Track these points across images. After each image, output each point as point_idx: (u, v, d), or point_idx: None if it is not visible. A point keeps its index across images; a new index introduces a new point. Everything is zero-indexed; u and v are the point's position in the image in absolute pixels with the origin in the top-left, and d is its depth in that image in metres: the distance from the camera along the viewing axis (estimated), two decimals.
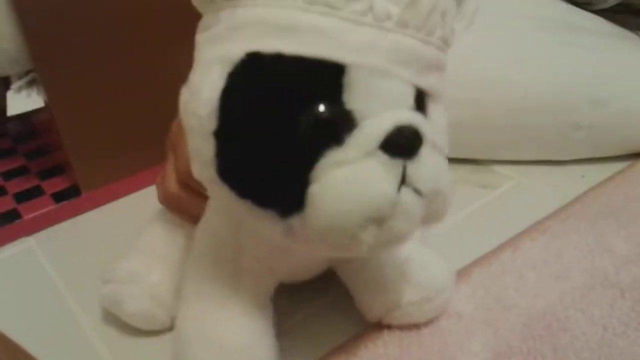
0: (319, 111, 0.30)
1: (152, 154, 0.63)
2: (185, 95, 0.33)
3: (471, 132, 0.62)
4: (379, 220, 0.30)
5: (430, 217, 0.33)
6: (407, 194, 0.30)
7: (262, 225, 0.33)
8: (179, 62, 0.34)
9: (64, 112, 0.58)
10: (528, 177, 0.63)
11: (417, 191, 0.31)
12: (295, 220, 0.31)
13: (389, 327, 0.45)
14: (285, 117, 0.30)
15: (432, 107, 0.34)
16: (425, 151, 0.31)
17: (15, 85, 0.60)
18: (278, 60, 0.30)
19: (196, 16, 0.34)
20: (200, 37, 0.34)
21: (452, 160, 0.63)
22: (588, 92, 0.60)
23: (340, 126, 0.31)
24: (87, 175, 0.62)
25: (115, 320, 0.47)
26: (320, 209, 0.30)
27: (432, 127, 0.33)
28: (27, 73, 0.61)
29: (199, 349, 0.38)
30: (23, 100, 0.59)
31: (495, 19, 0.63)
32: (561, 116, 0.61)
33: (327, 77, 0.30)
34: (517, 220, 0.56)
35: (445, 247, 0.50)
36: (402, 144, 0.30)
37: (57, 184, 0.64)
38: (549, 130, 0.61)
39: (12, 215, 0.60)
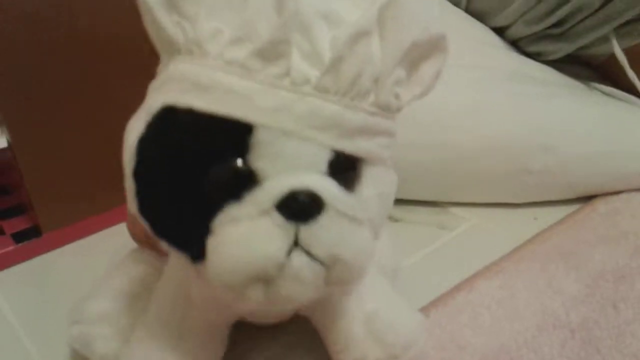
0: (222, 167, 0.32)
1: (115, 195, 0.64)
2: (125, 134, 0.35)
3: (429, 175, 0.64)
4: (265, 280, 0.31)
5: (333, 282, 0.33)
6: (297, 257, 0.31)
7: (186, 267, 0.35)
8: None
9: (27, 152, 0.58)
10: (483, 219, 0.65)
11: (311, 256, 0.31)
12: (202, 267, 0.33)
13: None
14: (190, 170, 0.32)
15: (366, 171, 0.35)
16: (325, 218, 0.31)
17: None
18: (189, 115, 0.32)
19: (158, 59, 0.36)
20: (150, 85, 0.35)
21: (412, 202, 0.66)
22: (537, 138, 0.63)
23: (242, 183, 0.32)
24: (49, 215, 0.62)
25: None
26: (213, 262, 0.32)
27: (351, 195, 0.34)
28: None
29: None
30: None
31: (451, 68, 0.66)
32: (513, 161, 0.63)
33: (234, 135, 0.31)
34: (473, 261, 0.58)
35: (404, 287, 0.51)
36: (295, 207, 0.31)
37: (17, 224, 0.64)
38: (501, 174, 0.64)
39: None
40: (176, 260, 0.41)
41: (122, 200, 0.63)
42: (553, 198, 0.66)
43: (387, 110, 0.35)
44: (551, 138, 0.63)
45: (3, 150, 0.59)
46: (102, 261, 0.56)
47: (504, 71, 0.68)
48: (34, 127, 0.58)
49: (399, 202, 0.66)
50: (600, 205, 0.65)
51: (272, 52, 0.31)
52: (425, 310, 0.52)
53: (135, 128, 0.33)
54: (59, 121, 0.60)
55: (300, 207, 0.31)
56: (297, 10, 0.31)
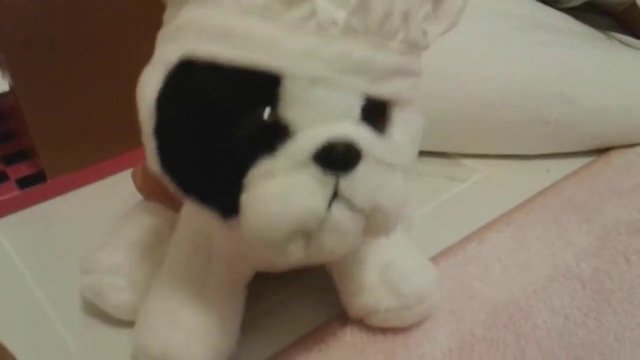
0: (251, 120, 0.30)
1: (120, 142, 0.63)
2: (137, 90, 0.33)
3: (441, 126, 0.63)
4: (306, 234, 0.30)
5: (372, 232, 0.33)
6: (338, 210, 0.30)
7: (211, 223, 0.33)
8: (148, 50, 0.33)
9: (30, 97, 0.57)
10: (495, 171, 0.64)
11: (352, 206, 0.30)
12: (234, 223, 0.32)
13: None
14: (217, 124, 0.30)
15: (396, 115, 0.34)
16: (364, 166, 0.30)
17: None
18: (211, 66, 0.30)
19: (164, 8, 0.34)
20: (158, 34, 0.33)
21: (423, 154, 0.65)
22: (556, 88, 0.61)
23: (273, 136, 0.30)
24: (53, 161, 0.61)
25: (81, 307, 0.47)
26: (249, 219, 0.30)
27: (385, 141, 0.33)
28: None
29: (158, 324, 0.39)
30: None
31: (466, 15, 0.64)
32: (529, 112, 0.62)
33: (261, 85, 0.30)
34: (483, 213, 0.57)
35: (414, 238, 0.51)
36: (333, 158, 0.30)
37: (22, 169, 0.63)
38: (516, 125, 0.62)
39: None
40: (192, 215, 0.40)
41: (128, 147, 0.63)
42: (567, 150, 0.65)
43: (416, 48, 0.33)
44: (569, 88, 0.61)
45: (6, 94, 0.58)
46: (107, 208, 0.56)
47: (522, 19, 0.65)
48: (37, 70, 0.57)
49: None
50: (614, 157, 0.64)
51: None
52: (435, 260, 0.51)
53: (151, 82, 0.31)
54: (63, 66, 0.58)
55: (338, 158, 0.30)
56: None
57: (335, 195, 0.30)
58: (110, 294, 0.44)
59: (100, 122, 0.62)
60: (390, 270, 0.43)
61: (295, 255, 0.31)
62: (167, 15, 0.33)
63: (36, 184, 0.61)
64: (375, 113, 0.32)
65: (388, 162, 0.32)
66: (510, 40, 0.62)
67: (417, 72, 0.35)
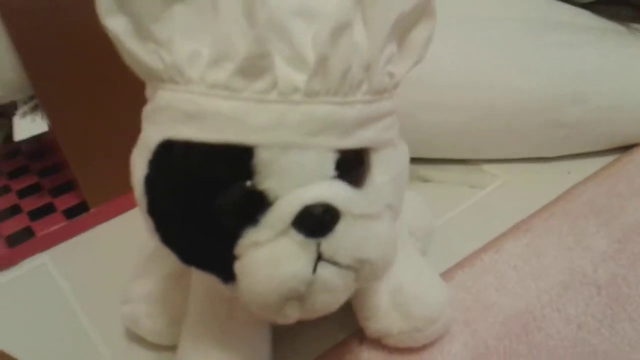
0: (231, 194, 0.31)
1: None
2: (131, 170, 0.35)
3: (459, 134, 0.64)
4: (297, 297, 0.32)
5: (362, 281, 0.34)
6: (324, 269, 0.31)
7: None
8: None
9: (66, 134, 0.61)
10: (516, 176, 0.64)
11: (337, 264, 0.32)
12: (234, 287, 0.34)
13: None
14: (201, 201, 0.32)
15: (375, 158, 0.35)
16: (343, 224, 0.31)
17: (20, 110, 0.64)
18: (187, 148, 0.31)
19: None
20: (144, 110, 0.35)
21: (443, 161, 0.66)
22: (570, 90, 0.61)
23: (254, 206, 0.31)
24: (94, 191, 0.65)
25: (123, 333, 0.51)
26: (243, 286, 0.32)
27: (364, 191, 0.34)
28: (31, 98, 0.64)
29: None
30: (28, 125, 0.62)
31: (479, 23, 0.64)
32: (545, 115, 0.62)
33: (235, 161, 0.31)
34: (502, 220, 0.58)
35: (434, 248, 0.52)
36: (311, 224, 0.31)
37: (67, 200, 0.68)
38: (533, 129, 0.63)
39: (26, 233, 0.64)
40: None
41: None
42: (587, 150, 0.65)
43: (384, 92, 0.34)
44: (583, 88, 0.61)
45: (45, 133, 0.63)
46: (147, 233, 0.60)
47: (532, 21, 0.65)
48: (72, 108, 0.61)
49: (429, 161, 0.66)
50: (637, 155, 0.64)
51: (253, 68, 0.30)
52: (451, 271, 0.53)
53: (138, 165, 0.33)
54: (96, 101, 0.62)
55: (316, 222, 0.31)
56: (269, 16, 0.30)
57: (319, 256, 0.31)
58: (146, 322, 0.47)
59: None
60: (401, 294, 0.44)
61: (291, 317, 0.33)
62: (148, 92, 0.35)
63: (80, 213, 0.66)
64: (352, 163, 0.33)
65: (368, 214, 0.33)
66: (523, 45, 0.63)
67: (389, 112, 0.35)
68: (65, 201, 0.68)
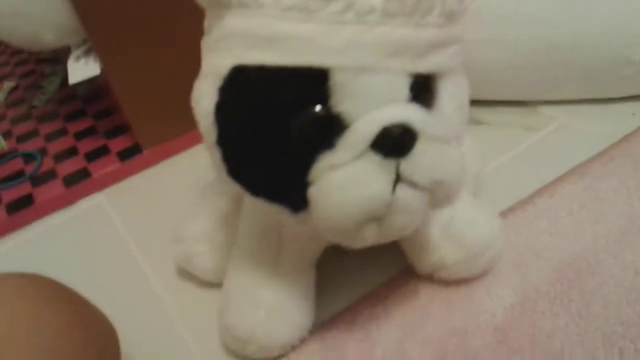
0: (306, 118, 0.31)
1: None
2: (193, 102, 0.35)
3: (515, 72, 0.61)
4: (377, 218, 0.32)
5: (437, 204, 0.34)
6: (403, 190, 0.31)
7: (281, 214, 0.35)
8: None
9: (119, 77, 0.62)
10: (575, 118, 0.61)
11: (415, 185, 0.31)
12: (305, 215, 0.34)
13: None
14: (275, 127, 0.32)
15: (442, 86, 0.34)
16: (420, 145, 0.31)
17: (73, 54, 0.64)
18: (261, 73, 0.31)
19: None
20: (202, 42, 0.35)
21: (497, 103, 0.64)
22: (638, 25, 0.57)
23: (330, 130, 0.31)
24: (147, 134, 0.67)
25: (176, 270, 0.52)
26: (319, 211, 0.32)
27: (434, 115, 0.33)
28: (84, 42, 0.65)
29: (240, 305, 0.42)
30: (82, 69, 0.63)
31: None
32: (609, 52, 0.58)
33: (311, 83, 0.31)
34: (559, 163, 0.56)
35: (487, 192, 0.51)
36: (390, 144, 0.30)
37: (122, 142, 0.69)
38: (596, 67, 0.59)
39: (83, 174, 0.66)
40: (258, 205, 0.42)
41: None
42: None
43: (454, 17, 0.33)
44: None
45: (99, 76, 0.64)
46: (197, 174, 0.61)
47: None
48: (124, 52, 0.61)
49: (482, 103, 0.64)
50: None
51: None
52: (503, 215, 0.51)
53: (206, 94, 0.33)
54: (148, 43, 0.62)
55: (395, 142, 0.31)
56: None
57: (397, 177, 0.31)
58: (197, 260, 0.48)
59: (188, 93, 0.66)
60: (453, 224, 0.44)
61: (369, 239, 0.33)
62: (207, 23, 0.34)
63: (133, 155, 0.67)
64: (423, 88, 0.33)
65: (442, 137, 0.32)
66: None
67: (457, 40, 0.35)
68: (119, 143, 0.69)
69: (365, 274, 0.48)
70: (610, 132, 0.58)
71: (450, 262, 0.44)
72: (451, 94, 0.35)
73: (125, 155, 0.67)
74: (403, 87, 0.32)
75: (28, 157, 0.70)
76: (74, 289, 0.40)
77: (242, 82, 0.32)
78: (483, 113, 0.64)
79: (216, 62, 0.33)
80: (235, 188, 0.35)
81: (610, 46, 0.58)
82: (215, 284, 0.49)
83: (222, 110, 0.33)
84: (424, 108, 0.33)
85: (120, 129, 0.71)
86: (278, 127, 0.32)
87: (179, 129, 0.68)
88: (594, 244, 0.47)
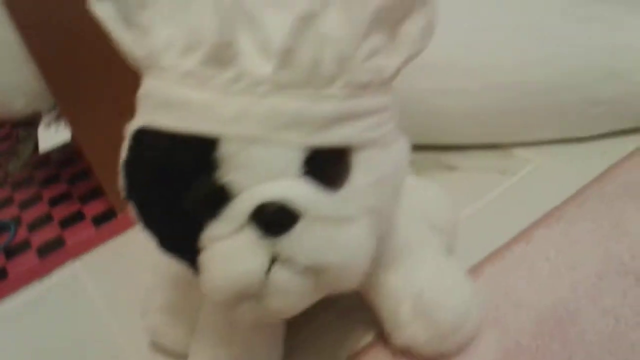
0: (197, 185, 0.31)
1: None
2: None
3: (487, 118, 0.61)
4: (251, 297, 0.31)
5: (326, 288, 0.33)
6: (278, 272, 0.31)
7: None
8: None
9: (90, 142, 0.62)
10: (548, 159, 0.61)
11: (293, 267, 0.30)
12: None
13: None
14: (170, 191, 0.32)
15: (356, 159, 0.32)
16: (303, 225, 0.30)
17: (44, 120, 0.64)
18: (159, 136, 0.31)
19: None
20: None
21: (471, 147, 0.63)
22: (605, 65, 0.58)
23: (218, 199, 0.31)
24: (120, 197, 0.66)
25: (154, 344, 0.50)
26: (204, 279, 0.32)
27: (335, 192, 0.32)
28: (55, 107, 0.65)
29: None
30: (52, 135, 0.63)
31: (506, 2, 0.61)
32: (579, 93, 0.59)
33: (202, 151, 0.30)
34: (535, 206, 0.55)
35: (463, 240, 0.50)
36: (267, 220, 0.30)
37: (96, 207, 0.69)
38: (567, 108, 0.60)
39: (58, 242, 0.65)
40: None
41: None
42: (623, 127, 0.61)
43: (368, 87, 0.32)
44: (620, 63, 0.58)
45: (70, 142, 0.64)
46: None
47: None
48: (94, 116, 0.61)
49: (455, 148, 0.64)
50: None
51: (220, 56, 0.29)
52: (480, 266, 0.51)
53: (123, 150, 0.34)
54: (117, 107, 0.61)
55: (270, 221, 0.30)
56: (237, 3, 0.29)
57: (276, 257, 0.30)
58: (165, 332, 0.47)
59: None
60: (422, 300, 0.42)
61: (247, 316, 0.32)
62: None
63: (109, 219, 0.66)
64: (328, 162, 0.32)
65: (334, 217, 0.31)
66: (553, 21, 0.59)
67: (376, 109, 0.33)
68: (94, 208, 0.69)
69: (342, 338, 0.47)
70: (583, 172, 0.58)
71: (422, 341, 0.42)
72: (367, 168, 0.33)
73: (100, 220, 0.67)
74: (293, 162, 0.30)
75: (1, 228, 0.69)
76: None
77: (143, 143, 0.32)
78: (457, 158, 0.64)
79: (131, 122, 0.34)
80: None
81: (579, 88, 0.59)
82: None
83: (128, 166, 0.33)
84: (326, 184, 0.31)
85: (95, 193, 0.71)
86: (172, 190, 0.32)
87: None
88: (573, 291, 0.47)
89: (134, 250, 0.64)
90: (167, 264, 0.50)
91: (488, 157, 0.64)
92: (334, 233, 0.31)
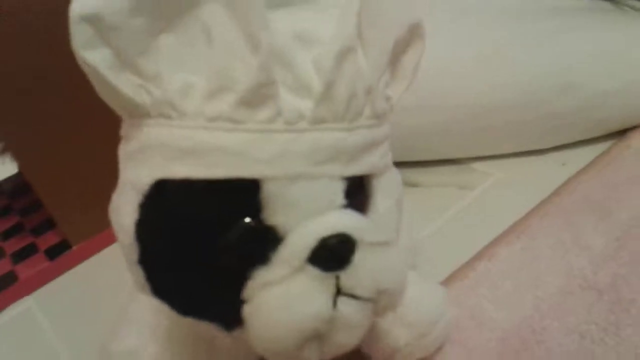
0: (237, 233, 0.29)
1: None
2: (111, 214, 0.32)
3: (445, 134, 0.61)
4: (318, 337, 0.29)
5: (381, 312, 0.32)
6: (344, 305, 0.29)
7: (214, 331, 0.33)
8: None
9: (38, 174, 0.59)
10: (509, 172, 0.61)
11: (357, 297, 0.29)
12: (239, 333, 0.31)
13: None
14: (203, 245, 0.29)
15: (376, 185, 0.33)
16: (360, 255, 0.29)
17: None
18: (186, 187, 0.29)
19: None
20: (120, 149, 0.32)
21: (431, 163, 0.63)
22: (560, 79, 0.58)
23: (263, 244, 0.29)
24: (74, 229, 0.64)
25: None
26: (255, 331, 0.30)
27: (371, 219, 0.32)
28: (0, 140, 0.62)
29: None
30: None
31: (458, 17, 0.61)
32: (534, 109, 0.59)
33: (241, 196, 0.29)
34: (497, 221, 0.55)
35: (425, 258, 0.49)
36: (330, 258, 0.29)
37: (50, 239, 0.66)
38: (524, 124, 0.60)
39: (10, 277, 0.62)
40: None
41: None
42: (582, 138, 0.62)
43: (382, 116, 0.32)
44: (574, 76, 0.58)
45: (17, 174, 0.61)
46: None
47: (517, 11, 0.62)
48: (40, 148, 0.59)
49: (415, 164, 0.63)
50: (634, 140, 0.60)
51: (257, 97, 0.28)
52: (444, 285, 0.50)
53: (126, 211, 0.30)
54: (65, 137, 0.60)
55: (334, 255, 0.29)
56: (272, 43, 0.27)
57: (338, 290, 0.29)
58: None
59: (111, 184, 0.63)
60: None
61: (310, 358, 0.30)
62: (125, 131, 0.32)
63: (62, 252, 0.64)
64: (357, 192, 0.32)
65: (380, 242, 0.31)
66: (501, 34, 0.59)
67: (387, 136, 0.34)
68: (47, 240, 0.66)
69: None
70: (543, 185, 0.58)
71: (402, 345, 0.42)
72: (386, 192, 0.34)
73: (54, 252, 0.64)
74: (338, 193, 0.30)
75: None
76: None
77: (164, 197, 0.29)
78: (416, 174, 0.63)
79: (135, 175, 0.30)
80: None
81: (534, 103, 0.59)
82: None
83: (144, 228, 0.30)
84: (359, 213, 0.31)
85: (48, 225, 0.68)
86: (206, 244, 0.29)
87: (107, 221, 0.64)
88: (537, 309, 0.46)
89: (91, 283, 0.61)
90: (126, 307, 0.48)
91: (448, 173, 0.63)
92: (383, 258, 0.31)
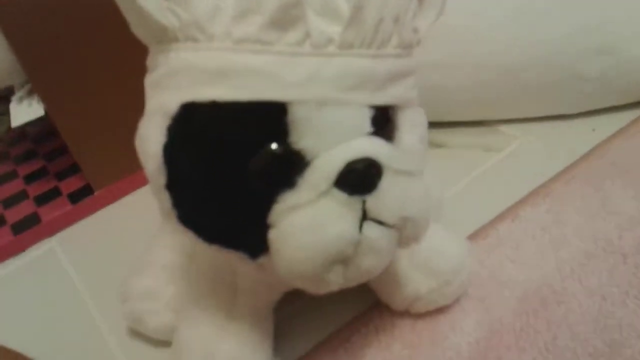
0: (264, 156, 0.29)
1: None
2: (138, 143, 0.32)
3: (474, 94, 0.60)
4: (343, 260, 0.29)
5: (405, 242, 0.32)
6: (370, 229, 0.29)
7: (237, 261, 0.33)
8: None
9: (64, 118, 0.60)
10: (536, 136, 0.60)
11: (382, 223, 0.30)
12: (264, 261, 0.31)
13: (380, 310, 0.45)
14: (231, 168, 0.29)
15: (402, 118, 0.33)
16: (386, 181, 0.29)
17: (16, 95, 0.62)
18: (214, 110, 0.29)
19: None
20: (146, 79, 0.32)
21: (456, 124, 0.62)
22: (593, 41, 0.56)
23: (289, 168, 0.29)
24: (97, 174, 0.64)
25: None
26: (281, 255, 0.30)
27: (398, 148, 0.32)
28: (27, 82, 0.62)
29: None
30: (25, 111, 0.61)
31: None
32: (566, 70, 0.57)
33: (268, 119, 0.28)
34: (521, 184, 0.55)
35: (449, 217, 0.49)
36: (356, 181, 0.29)
37: (73, 184, 0.67)
38: (554, 85, 0.58)
39: (33, 219, 0.63)
40: (211, 252, 0.39)
41: None
42: (612, 104, 0.60)
43: (410, 47, 0.32)
44: (608, 39, 0.56)
45: (43, 117, 0.61)
46: (151, 215, 0.58)
47: None
48: (67, 91, 0.59)
49: (441, 125, 0.62)
50: None
51: (285, 18, 0.27)
52: None
53: (152, 135, 0.31)
54: (92, 83, 0.60)
55: (360, 179, 0.29)
56: None
57: (364, 215, 0.29)
58: (147, 319, 0.45)
59: (134, 130, 0.63)
60: (419, 253, 0.42)
61: (335, 283, 0.30)
62: (151, 59, 0.32)
63: (85, 197, 0.64)
64: (383, 121, 0.32)
65: (407, 171, 0.31)
66: (541, 3, 0.57)
67: (413, 70, 0.33)
68: (70, 184, 0.67)
69: (325, 316, 0.46)
70: (571, 149, 0.57)
71: (424, 292, 0.43)
72: (411, 126, 0.34)
73: (77, 197, 0.65)
74: (365, 121, 0.30)
75: None
76: (21, 353, 0.37)
77: (193, 120, 0.29)
78: (442, 135, 0.62)
79: (163, 100, 0.30)
80: (186, 235, 0.33)
81: (566, 64, 0.57)
82: (170, 342, 0.45)
83: (172, 152, 0.30)
84: (386, 141, 0.31)
85: (72, 170, 0.69)
86: (234, 167, 0.29)
87: (130, 168, 0.65)
88: (559, 270, 0.46)
89: (112, 227, 0.62)
90: (148, 248, 0.49)
91: (474, 134, 0.62)
92: (410, 186, 0.31)
